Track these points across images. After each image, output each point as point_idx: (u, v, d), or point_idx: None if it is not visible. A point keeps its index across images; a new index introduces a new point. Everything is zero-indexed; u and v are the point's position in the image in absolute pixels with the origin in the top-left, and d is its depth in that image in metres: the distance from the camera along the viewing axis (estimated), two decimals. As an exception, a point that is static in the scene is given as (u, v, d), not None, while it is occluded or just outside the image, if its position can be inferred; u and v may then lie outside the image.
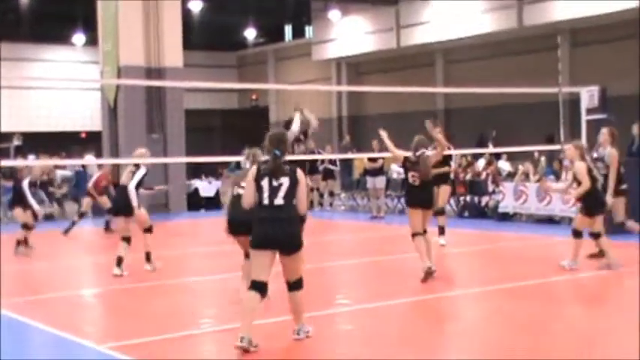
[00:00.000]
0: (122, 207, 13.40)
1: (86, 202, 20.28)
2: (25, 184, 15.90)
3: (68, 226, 19.85)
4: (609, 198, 13.06)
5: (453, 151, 16.51)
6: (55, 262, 15.46)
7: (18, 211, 16.20)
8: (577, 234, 12.45)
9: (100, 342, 8.62)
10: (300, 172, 8.29)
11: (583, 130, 17.14)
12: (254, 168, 8.39)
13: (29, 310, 10.47)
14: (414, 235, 11.84)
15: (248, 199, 8.36)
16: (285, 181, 8.14)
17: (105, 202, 19.21)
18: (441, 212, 15.49)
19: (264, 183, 8.17)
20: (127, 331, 9.24)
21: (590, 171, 12.41)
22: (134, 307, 10.76)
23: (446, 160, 15.44)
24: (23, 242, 16.21)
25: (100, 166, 21.51)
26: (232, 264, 14.33)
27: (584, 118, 17.21)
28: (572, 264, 12.41)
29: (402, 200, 23.54)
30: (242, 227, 9.38)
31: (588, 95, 17.21)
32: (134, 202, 13.16)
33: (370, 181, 22.85)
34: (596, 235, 12.55)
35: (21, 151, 35.28)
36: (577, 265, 12.38)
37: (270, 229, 8.12)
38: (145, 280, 12.78)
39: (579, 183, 12.38)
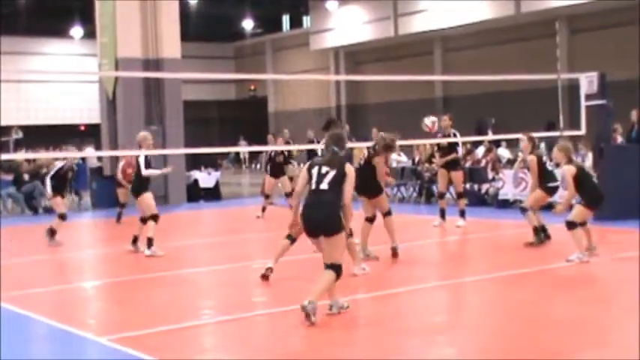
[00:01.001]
0: (140, 188, 14.18)
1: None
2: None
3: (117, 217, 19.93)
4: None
5: (457, 139, 16.61)
6: (58, 254, 15.43)
7: (57, 200, 16.06)
8: (571, 225, 12.15)
9: (99, 334, 8.62)
10: (349, 166, 9.11)
11: (582, 116, 17.12)
12: (307, 164, 9.45)
13: (29, 302, 10.46)
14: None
15: (298, 188, 9.40)
16: (332, 172, 8.98)
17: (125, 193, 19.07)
18: (461, 196, 17.13)
19: (314, 171, 9.10)
20: (126, 322, 9.23)
21: (580, 170, 12.34)
22: (134, 299, 10.75)
23: (451, 146, 16.42)
24: (53, 232, 16.06)
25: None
26: (231, 255, 14.38)
27: (584, 104, 17.18)
28: (581, 256, 12.00)
29: (402, 189, 23.58)
30: None
31: (587, 81, 17.17)
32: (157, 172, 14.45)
33: None
34: (571, 225, 12.17)
35: (20, 145, 35.27)
36: (586, 257, 12.00)
37: (312, 212, 8.97)
38: (145, 271, 12.78)
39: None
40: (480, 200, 21.33)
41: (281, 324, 9.01)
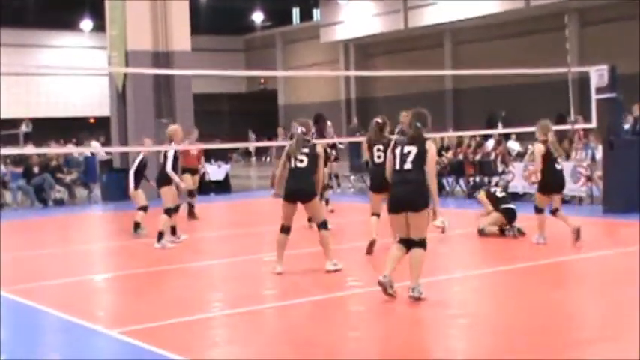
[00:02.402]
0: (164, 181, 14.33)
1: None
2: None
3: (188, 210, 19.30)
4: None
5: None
6: (68, 247, 15.49)
7: (139, 193, 15.92)
8: (536, 210, 13.05)
9: (110, 326, 8.65)
10: (429, 143, 9.46)
11: (593, 109, 17.07)
12: (392, 140, 10.08)
13: (39, 295, 10.50)
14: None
15: (387, 168, 9.75)
16: (414, 150, 9.34)
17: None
18: None
19: (397, 151, 9.48)
20: (137, 315, 9.26)
21: (548, 154, 12.82)
22: (144, 292, 10.77)
23: None
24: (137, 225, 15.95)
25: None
26: (242, 247, 14.39)
27: (594, 97, 17.12)
28: (539, 238, 12.96)
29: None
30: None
31: (597, 74, 17.11)
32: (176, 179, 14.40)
33: None
34: (554, 212, 13.02)
35: (30, 138, 35.32)
36: (544, 240, 12.89)
37: (399, 191, 9.41)
38: (155, 264, 12.79)
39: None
40: (489, 193, 21.23)
41: (291, 316, 9.03)
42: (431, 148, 9.45)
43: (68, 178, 24.83)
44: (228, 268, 12.58)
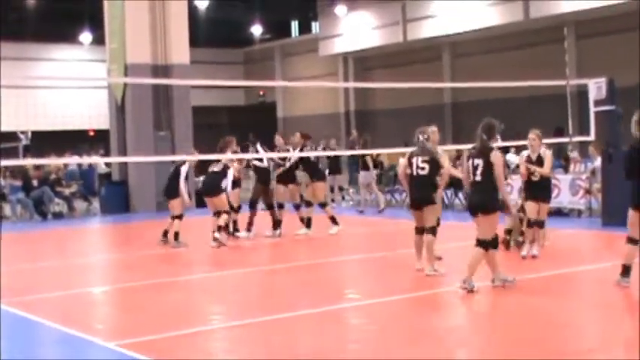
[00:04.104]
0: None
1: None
2: (184, 170, 16.09)
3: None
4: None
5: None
6: (67, 259, 15.47)
7: (175, 203, 16.16)
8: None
9: (108, 339, 8.63)
10: (494, 154, 10.37)
11: (592, 122, 17.06)
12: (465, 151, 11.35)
13: (38, 307, 10.48)
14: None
15: (464, 178, 10.83)
16: (481, 162, 10.33)
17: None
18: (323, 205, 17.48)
19: (470, 164, 10.47)
20: (135, 328, 9.25)
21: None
22: (143, 304, 10.76)
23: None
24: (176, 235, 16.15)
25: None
26: (239, 260, 14.39)
27: (593, 109, 17.12)
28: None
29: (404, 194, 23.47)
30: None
31: (596, 87, 17.11)
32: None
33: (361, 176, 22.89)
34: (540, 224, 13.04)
35: (29, 150, 35.29)
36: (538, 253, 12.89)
37: (471, 197, 10.68)
38: (153, 277, 12.79)
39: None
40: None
41: (290, 330, 9.01)
42: (496, 158, 10.32)
43: (67, 191, 24.84)
44: (227, 281, 12.56)
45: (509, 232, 13.76)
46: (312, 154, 17.68)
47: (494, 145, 10.64)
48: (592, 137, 17.40)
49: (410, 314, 9.62)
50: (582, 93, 18.34)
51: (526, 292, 10.53)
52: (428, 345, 8.14)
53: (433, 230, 11.71)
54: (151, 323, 9.43)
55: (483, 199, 10.35)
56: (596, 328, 8.78)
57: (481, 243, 10.34)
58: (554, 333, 8.29)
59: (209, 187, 16.08)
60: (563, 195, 18.89)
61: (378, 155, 24.68)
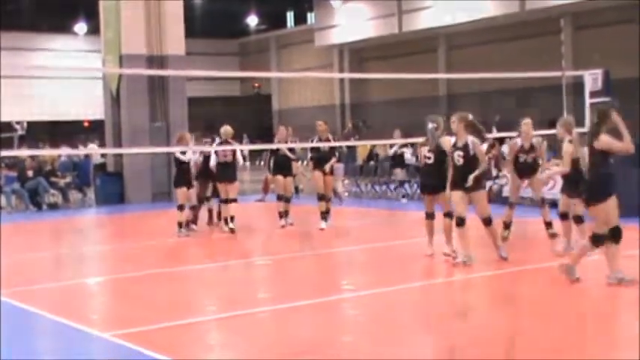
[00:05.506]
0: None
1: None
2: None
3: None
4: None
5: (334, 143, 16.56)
6: (62, 250, 15.44)
7: (181, 191, 16.18)
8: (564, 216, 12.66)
9: (104, 329, 8.62)
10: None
11: (587, 113, 17.05)
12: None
13: (33, 298, 10.47)
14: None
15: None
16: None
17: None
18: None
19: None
20: (130, 318, 9.23)
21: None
22: (138, 295, 10.75)
23: (332, 151, 17.08)
24: (185, 224, 16.15)
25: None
26: (234, 251, 14.38)
27: (588, 101, 17.11)
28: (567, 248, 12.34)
29: (406, 186, 23.44)
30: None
31: (592, 78, 17.11)
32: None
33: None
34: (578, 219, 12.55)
35: (24, 141, 35.25)
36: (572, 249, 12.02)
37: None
38: (149, 267, 12.78)
39: None
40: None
41: (286, 321, 9.01)
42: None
43: (62, 182, 24.77)
44: (222, 272, 12.55)
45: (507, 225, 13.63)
46: (320, 144, 16.86)
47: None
48: (587, 129, 17.38)
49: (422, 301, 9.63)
50: (578, 84, 18.34)
51: (525, 283, 10.54)
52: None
53: (449, 215, 11.95)
54: (146, 314, 9.41)
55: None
56: (594, 320, 8.78)
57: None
58: (545, 326, 8.29)
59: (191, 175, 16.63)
60: (558, 187, 18.82)
61: (373, 147, 24.65)
